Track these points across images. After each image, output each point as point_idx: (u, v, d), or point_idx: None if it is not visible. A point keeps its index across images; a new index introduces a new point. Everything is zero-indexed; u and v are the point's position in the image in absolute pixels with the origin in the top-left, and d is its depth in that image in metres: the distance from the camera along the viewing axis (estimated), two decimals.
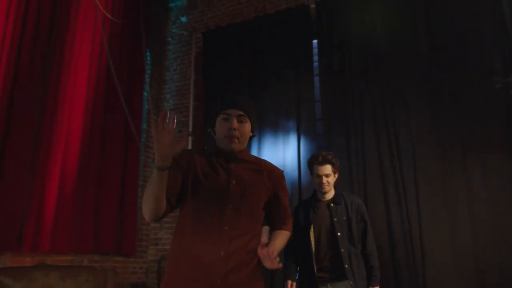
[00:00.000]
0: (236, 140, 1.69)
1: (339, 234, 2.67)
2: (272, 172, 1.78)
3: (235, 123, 1.68)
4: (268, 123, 4.51)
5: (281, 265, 1.49)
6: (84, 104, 4.34)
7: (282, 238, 1.77)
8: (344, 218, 2.73)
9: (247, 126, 1.73)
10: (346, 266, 2.60)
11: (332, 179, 2.80)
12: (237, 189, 1.64)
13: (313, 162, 2.80)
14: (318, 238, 2.71)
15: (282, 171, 1.84)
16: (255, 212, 1.69)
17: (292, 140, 4.36)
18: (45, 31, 4.02)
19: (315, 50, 4.57)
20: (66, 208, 3.96)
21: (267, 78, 4.63)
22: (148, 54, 5.48)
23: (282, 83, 4.54)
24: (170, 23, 5.88)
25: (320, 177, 2.76)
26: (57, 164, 3.95)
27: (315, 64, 4.50)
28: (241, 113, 1.70)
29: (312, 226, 2.73)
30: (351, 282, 2.56)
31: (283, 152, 4.36)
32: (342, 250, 2.64)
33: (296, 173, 4.22)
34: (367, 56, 4.19)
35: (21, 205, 3.61)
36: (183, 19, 5.73)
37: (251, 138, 1.80)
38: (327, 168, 2.76)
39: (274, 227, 1.83)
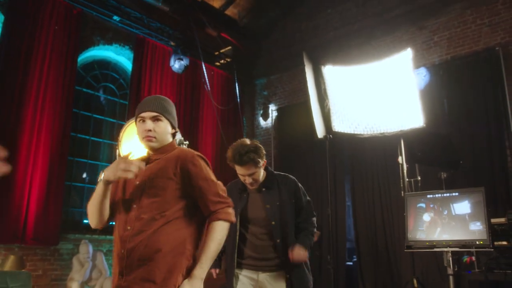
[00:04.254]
0: (154, 139, 1.79)
1: (273, 223, 2.40)
2: (178, 157, 1.79)
3: (149, 125, 1.79)
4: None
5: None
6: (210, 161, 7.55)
7: (210, 239, 1.71)
8: (278, 203, 2.46)
9: (163, 124, 1.82)
10: (281, 257, 2.39)
11: (259, 174, 2.46)
12: (139, 188, 1.73)
13: (234, 161, 2.42)
14: (250, 227, 2.46)
15: (192, 152, 1.84)
16: (161, 202, 1.71)
17: None
18: (187, 128, 7.32)
19: None
20: None
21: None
22: (244, 119, 8.52)
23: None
24: (257, 95, 8.84)
25: (244, 176, 2.45)
26: None
27: None
28: (155, 114, 1.79)
29: (239, 214, 2.45)
30: (287, 276, 2.38)
31: None
32: (278, 240, 2.38)
33: None
34: None
35: None
36: (265, 92, 8.64)
37: (174, 134, 1.90)
38: (250, 168, 2.39)
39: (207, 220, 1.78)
